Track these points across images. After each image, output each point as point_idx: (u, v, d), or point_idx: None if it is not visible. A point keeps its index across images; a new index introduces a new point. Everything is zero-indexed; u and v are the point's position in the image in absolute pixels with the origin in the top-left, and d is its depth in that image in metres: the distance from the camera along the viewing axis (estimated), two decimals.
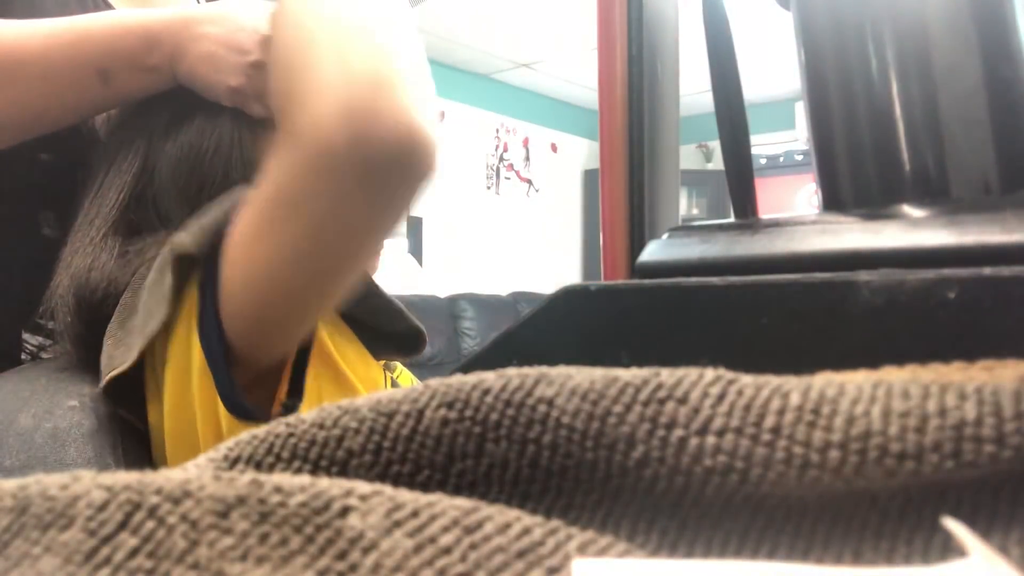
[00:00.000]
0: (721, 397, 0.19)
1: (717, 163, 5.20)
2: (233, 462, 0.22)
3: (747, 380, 0.20)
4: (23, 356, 0.70)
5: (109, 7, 0.74)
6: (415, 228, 4.44)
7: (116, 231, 0.59)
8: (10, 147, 0.62)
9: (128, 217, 0.60)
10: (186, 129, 0.61)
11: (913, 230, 0.28)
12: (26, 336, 0.70)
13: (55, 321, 0.59)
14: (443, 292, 4.45)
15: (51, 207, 0.70)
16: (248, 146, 0.62)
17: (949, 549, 0.18)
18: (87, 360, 0.57)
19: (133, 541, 0.17)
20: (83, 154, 0.69)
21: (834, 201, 0.34)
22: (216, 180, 0.60)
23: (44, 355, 0.70)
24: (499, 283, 4.86)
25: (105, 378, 0.52)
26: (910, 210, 0.30)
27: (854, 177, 0.34)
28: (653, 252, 0.35)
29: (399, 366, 0.74)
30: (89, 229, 0.60)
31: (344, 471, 0.21)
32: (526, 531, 0.17)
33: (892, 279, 0.25)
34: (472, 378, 0.22)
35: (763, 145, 5.16)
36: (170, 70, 0.60)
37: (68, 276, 0.59)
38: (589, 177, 5.52)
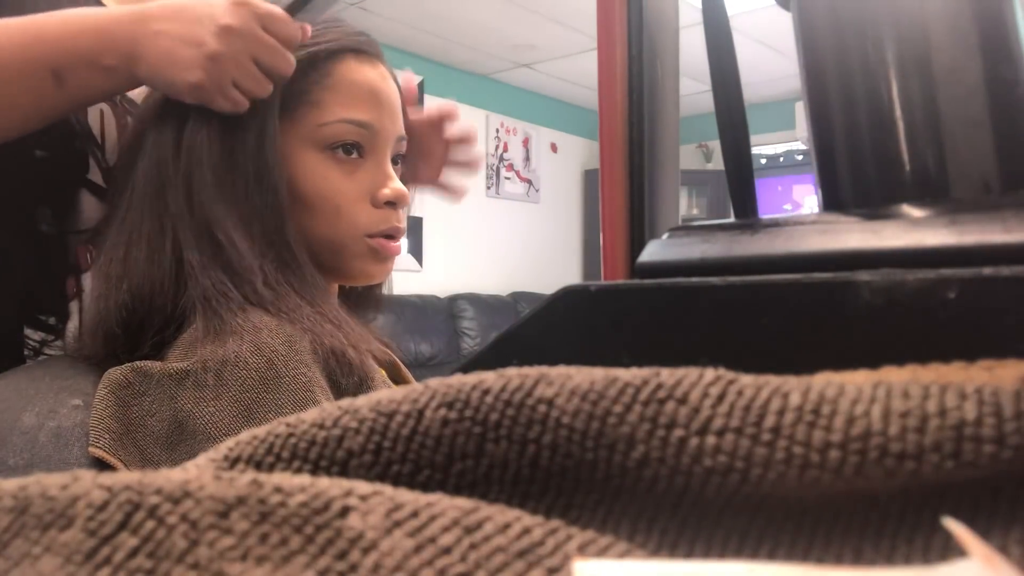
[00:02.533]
0: (721, 397, 0.19)
1: (717, 163, 5.21)
2: (233, 462, 0.22)
3: (747, 380, 0.20)
4: (25, 352, 0.70)
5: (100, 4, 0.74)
6: (415, 228, 4.44)
7: (161, 229, 0.60)
8: (5, 146, 0.62)
9: (168, 207, 0.60)
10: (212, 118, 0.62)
11: (913, 230, 0.28)
12: (28, 331, 0.70)
13: (93, 306, 0.59)
14: (443, 292, 4.45)
15: (47, 203, 0.70)
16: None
17: (949, 549, 0.18)
18: (102, 357, 0.57)
19: (133, 541, 0.17)
20: (78, 151, 0.69)
21: (834, 201, 0.34)
22: (251, 174, 0.61)
23: (47, 350, 0.70)
24: (499, 283, 4.86)
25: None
26: (910, 210, 0.30)
27: (854, 177, 0.34)
28: (653, 252, 0.35)
29: None
30: (139, 219, 0.60)
31: (344, 471, 0.21)
32: (526, 531, 0.17)
33: (892, 279, 0.25)
34: (472, 378, 0.22)
35: (763, 145, 5.17)
36: (127, 70, 0.59)
37: (123, 273, 0.59)
38: (589, 177, 5.52)
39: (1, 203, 0.69)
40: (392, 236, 0.67)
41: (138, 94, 0.70)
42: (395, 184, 0.67)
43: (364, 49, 0.67)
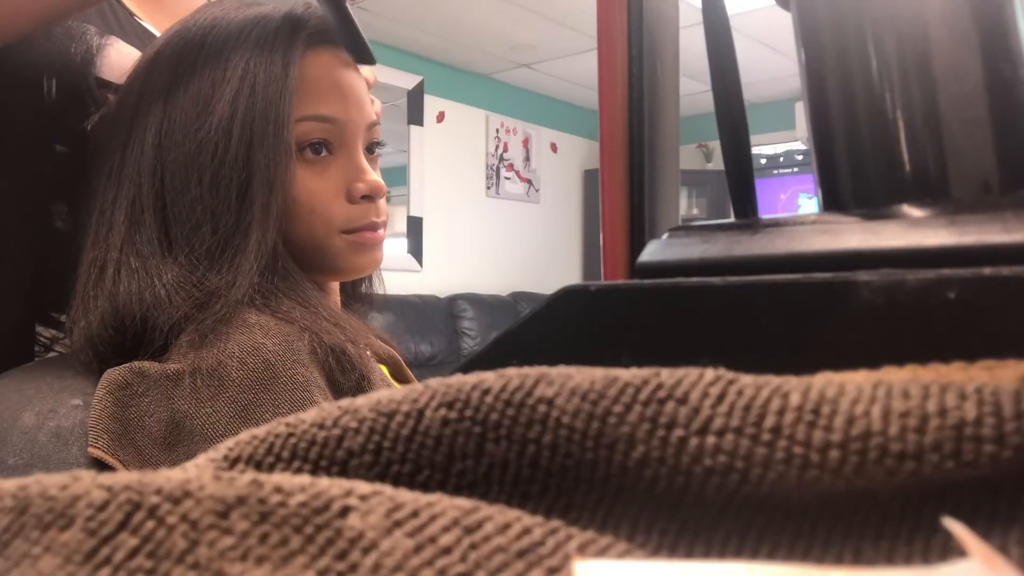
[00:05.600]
0: (721, 397, 0.19)
1: (717, 163, 5.21)
2: (233, 462, 0.22)
3: (747, 380, 0.20)
4: (36, 348, 0.70)
5: (124, 7, 0.75)
6: (415, 228, 4.44)
7: (138, 254, 0.59)
8: (25, 139, 0.62)
9: (153, 216, 0.60)
10: (183, 109, 0.60)
11: (913, 230, 0.28)
12: (39, 328, 0.70)
13: (76, 322, 0.59)
14: (443, 292, 4.45)
15: (64, 200, 0.70)
16: (261, 89, 0.60)
17: (949, 549, 0.18)
18: (98, 365, 0.57)
19: (133, 541, 0.17)
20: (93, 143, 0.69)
21: (834, 201, 0.34)
22: (233, 159, 0.59)
23: (57, 347, 0.70)
24: (499, 283, 4.86)
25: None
26: (910, 210, 0.30)
27: (854, 177, 0.34)
28: (653, 252, 0.35)
29: None
30: (115, 239, 0.60)
31: (344, 471, 0.21)
32: (526, 531, 0.17)
33: (892, 279, 0.25)
34: (472, 378, 0.22)
35: (763, 145, 5.18)
36: None
37: (106, 291, 0.58)
38: (589, 177, 5.53)
39: (19, 198, 0.69)
40: (372, 227, 0.66)
41: (120, 76, 0.70)
42: (369, 177, 0.65)
43: (321, 40, 0.65)
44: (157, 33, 0.76)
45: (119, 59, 0.71)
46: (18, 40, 0.62)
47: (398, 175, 4.39)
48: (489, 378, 0.21)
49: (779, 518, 0.19)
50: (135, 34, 0.75)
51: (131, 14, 0.76)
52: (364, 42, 0.65)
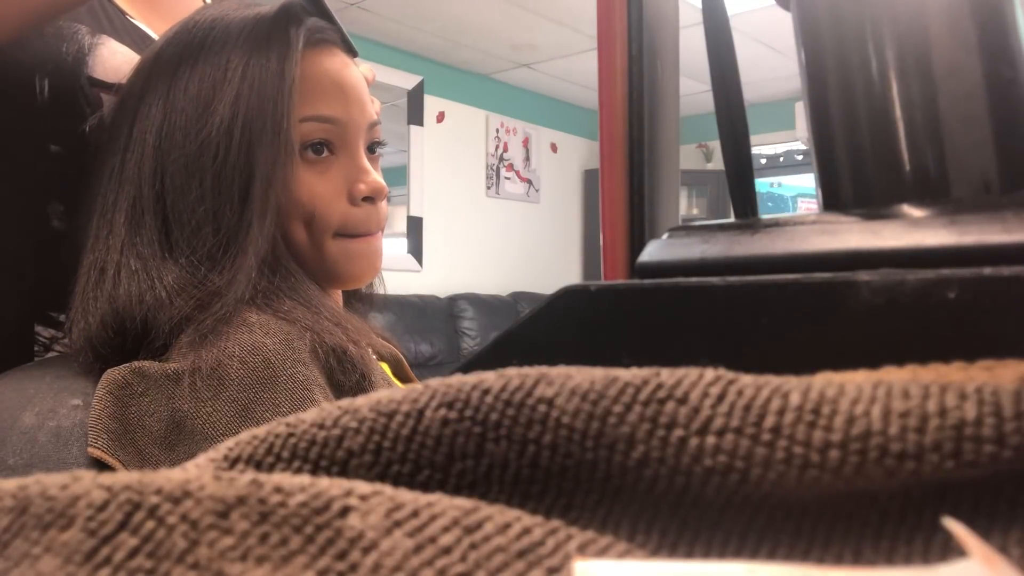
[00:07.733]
0: (721, 397, 0.19)
1: (717, 163, 5.22)
2: (233, 462, 0.22)
3: (747, 380, 0.20)
4: (36, 348, 0.70)
5: (115, 7, 0.75)
6: (415, 228, 4.44)
7: (139, 256, 0.59)
8: (19, 140, 0.62)
9: (153, 219, 0.60)
10: (181, 113, 0.60)
11: (913, 230, 0.28)
12: (38, 328, 0.70)
13: (76, 323, 0.59)
14: (443, 292, 4.45)
15: (60, 200, 0.70)
16: (263, 90, 0.60)
17: (949, 549, 0.18)
18: (98, 365, 0.57)
19: (133, 541, 0.17)
20: (92, 147, 0.69)
21: (834, 201, 0.34)
22: (235, 159, 0.59)
23: (56, 347, 0.70)
24: (499, 283, 4.86)
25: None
26: (910, 210, 0.30)
27: (854, 177, 0.34)
28: (653, 252, 0.35)
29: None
30: (115, 241, 0.60)
31: (344, 471, 0.21)
32: (526, 531, 0.17)
33: (892, 279, 0.25)
34: (472, 378, 0.22)
35: (763, 145, 5.18)
36: None
37: (106, 292, 0.58)
38: (589, 177, 5.53)
39: (15, 199, 0.69)
40: (367, 235, 0.66)
41: (113, 75, 0.70)
42: (371, 178, 0.65)
43: (320, 39, 0.65)
44: (150, 31, 0.76)
45: (111, 58, 0.71)
46: (6, 44, 0.62)
47: (398, 175, 4.39)
48: (489, 378, 0.21)
49: (779, 518, 0.19)
50: (127, 33, 0.74)
51: (123, 13, 0.76)
52: (343, 33, 0.65)
